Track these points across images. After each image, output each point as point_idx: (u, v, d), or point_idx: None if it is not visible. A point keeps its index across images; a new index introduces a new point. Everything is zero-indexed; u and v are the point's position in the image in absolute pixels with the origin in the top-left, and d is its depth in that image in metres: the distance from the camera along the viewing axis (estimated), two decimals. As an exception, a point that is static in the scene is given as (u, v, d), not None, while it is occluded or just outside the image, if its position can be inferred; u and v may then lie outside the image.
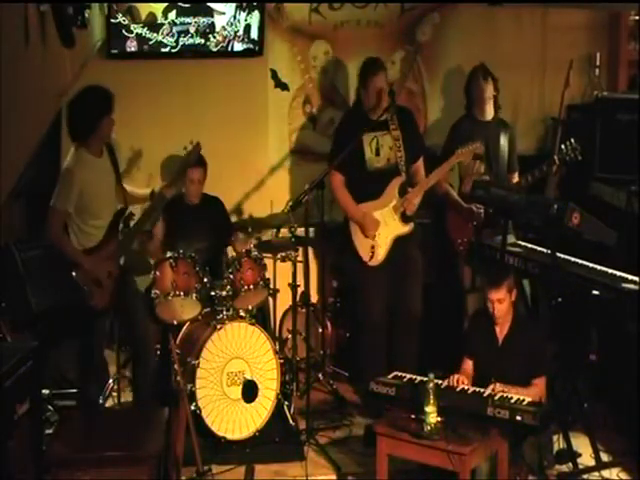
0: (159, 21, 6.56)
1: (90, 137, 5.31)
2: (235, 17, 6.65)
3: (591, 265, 5.46)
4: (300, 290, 6.43)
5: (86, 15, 5.35)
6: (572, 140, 6.08)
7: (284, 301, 6.43)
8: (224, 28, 6.66)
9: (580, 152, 6.06)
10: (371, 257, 6.04)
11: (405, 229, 6.07)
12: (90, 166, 5.34)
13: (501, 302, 5.00)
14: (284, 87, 6.98)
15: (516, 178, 6.39)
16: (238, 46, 6.72)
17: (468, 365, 5.16)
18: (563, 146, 6.08)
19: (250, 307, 5.94)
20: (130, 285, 5.64)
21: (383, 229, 6.04)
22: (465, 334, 5.55)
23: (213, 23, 6.65)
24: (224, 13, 6.65)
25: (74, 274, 5.32)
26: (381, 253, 6.04)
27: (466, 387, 4.93)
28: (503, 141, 6.36)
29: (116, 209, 5.49)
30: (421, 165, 6.18)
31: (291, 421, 5.85)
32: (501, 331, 5.11)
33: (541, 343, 5.13)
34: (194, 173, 6.22)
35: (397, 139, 6.06)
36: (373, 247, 6.04)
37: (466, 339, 5.32)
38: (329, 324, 6.69)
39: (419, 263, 6.16)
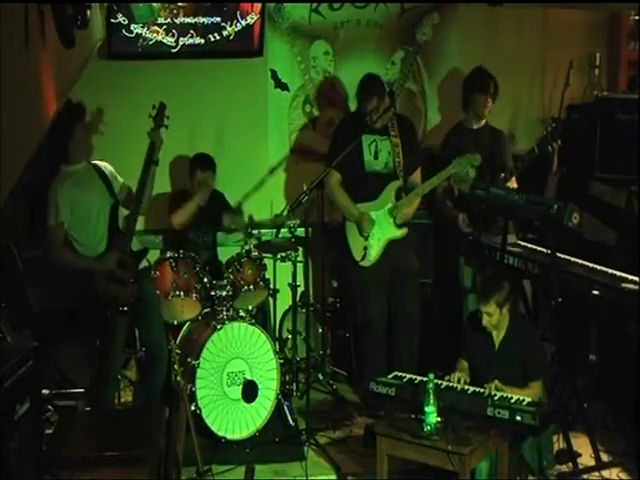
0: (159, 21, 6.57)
1: (68, 146, 5.31)
2: (235, 17, 6.65)
3: (591, 265, 5.46)
4: (300, 290, 6.44)
5: (86, 15, 5.34)
6: (553, 124, 5.99)
7: (284, 301, 6.44)
8: (224, 28, 6.66)
9: (558, 137, 5.89)
10: (363, 257, 6.04)
11: (398, 233, 6.06)
12: (70, 177, 5.35)
13: (490, 315, 4.98)
14: (284, 87, 6.98)
15: (514, 184, 6.25)
16: (238, 46, 6.72)
17: (463, 365, 5.16)
18: (545, 133, 5.99)
19: (250, 307, 5.95)
20: (148, 287, 5.56)
21: (377, 231, 6.03)
22: (463, 336, 5.55)
23: (213, 23, 6.65)
24: (224, 12, 6.65)
25: (93, 286, 5.30)
26: (373, 254, 6.03)
27: (466, 387, 4.93)
28: (495, 149, 6.28)
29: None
30: (418, 176, 6.15)
31: (291, 421, 5.86)
32: (498, 335, 5.10)
33: (537, 347, 5.13)
34: (205, 177, 6.24)
35: (396, 146, 6.05)
36: (365, 247, 6.04)
37: (463, 341, 5.31)
38: (329, 324, 6.69)
39: (414, 264, 6.14)
